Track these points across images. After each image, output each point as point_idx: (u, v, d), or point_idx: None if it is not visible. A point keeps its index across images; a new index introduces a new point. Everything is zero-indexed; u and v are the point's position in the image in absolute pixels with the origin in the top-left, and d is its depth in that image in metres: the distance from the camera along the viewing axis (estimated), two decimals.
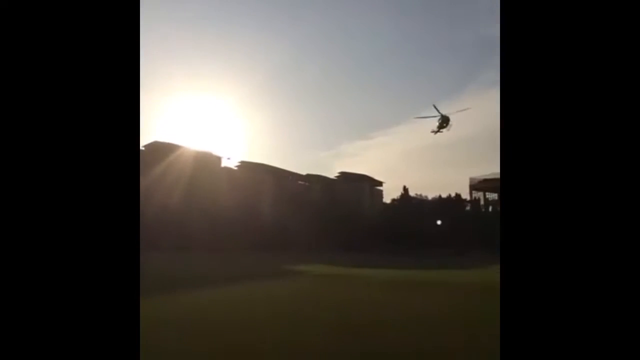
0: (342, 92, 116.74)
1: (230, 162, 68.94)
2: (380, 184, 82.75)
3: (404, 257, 38.73)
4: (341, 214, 60.76)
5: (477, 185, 59.80)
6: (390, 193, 79.11)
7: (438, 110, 29.28)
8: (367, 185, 79.27)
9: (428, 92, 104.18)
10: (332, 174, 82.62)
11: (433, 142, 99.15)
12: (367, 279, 19.44)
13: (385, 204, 77.47)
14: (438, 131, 29.92)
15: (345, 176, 79.08)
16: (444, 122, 29.25)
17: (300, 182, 79.11)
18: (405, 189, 67.77)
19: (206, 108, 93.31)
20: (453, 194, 62.65)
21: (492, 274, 23.15)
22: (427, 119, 30.92)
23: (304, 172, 78.57)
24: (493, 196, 60.81)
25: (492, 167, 72.90)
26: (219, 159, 67.41)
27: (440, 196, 63.79)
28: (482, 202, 61.79)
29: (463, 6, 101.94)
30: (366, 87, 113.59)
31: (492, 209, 60.79)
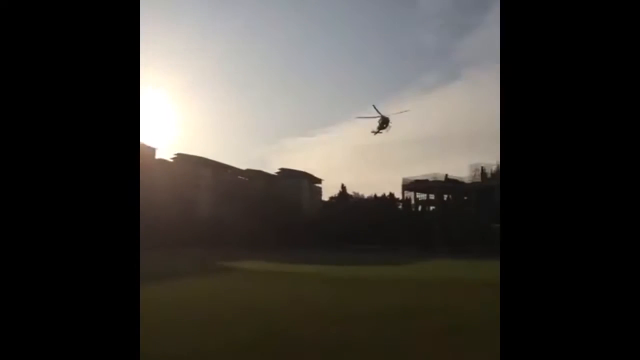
0: (284, 87, 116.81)
1: (166, 154, 66.07)
2: (319, 181, 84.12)
3: (341, 254, 40.06)
4: (280, 210, 61.05)
5: (409, 185, 63.16)
6: (329, 190, 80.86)
7: (378, 111, 28.95)
8: (306, 182, 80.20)
9: (369, 92, 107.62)
10: (272, 169, 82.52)
11: (371, 142, 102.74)
12: (302, 275, 19.72)
13: (323, 201, 79.00)
14: (378, 132, 29.49)
15: (285, 172, 79.28)
16: (384, 122, 28.85)
17: (239, 177, 77.94)
18: (343, 187, 69.70)
19: (141, 98, 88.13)
20: (387, 193, 65.79)
21: (423, 269, 24.85)
22: (368, 119, 30.70)
23: (243, 167, 77.63)
24: (422, 196, 64.65)
25: (423, 169, 77.48)
26: (153, 150, 64.31)
27: (375, 195, 66.55)
28: (412, 202, 65.41)
29: (404, 11, 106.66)
30: (308, 85, 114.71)
31: (422, 208, 64.64)
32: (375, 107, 28.29)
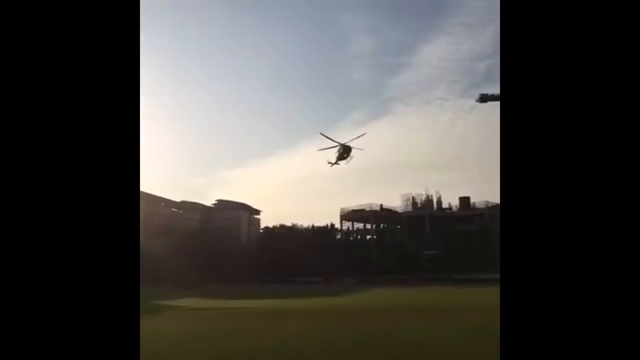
0: (219, 119, 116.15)
1: None
2: (257, 212, 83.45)
3: (279, 286, 39.98)
4: (218, 243, 59.44)
5: (347, 215, 65.25)
6: (267, 221, 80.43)
7: (332, 140, 23.68)
8: (245, 214, 79.12)
9: (303, 126, 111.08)
10: (208, 201, 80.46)
11: (306, 173, 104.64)
12: (241, 310, 19.48)
13: (262, 232, 78.30)
14: (336, 163, 24.41)
15: (222, 204, 77.73)
16: (345, 152, 23.85)
17: (173, 209, 74.87)
18: (282, 225, 69.20)
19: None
20: (325, 223, 67.16)
21: (360, 298, 25.53)
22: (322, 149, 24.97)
23: (177, 199, 74.81)
24: (359, 226, 67.01)
25: (357, 199, 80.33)
26: None
27: (313, 225, 67.60)
28: (350, 231, 67.44)
29: (336, 51, 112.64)
30: (243, 117, 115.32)
31: (360, 237, 66.80)
32: (325, 135, 23.87)
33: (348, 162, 24.07)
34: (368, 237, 66.23)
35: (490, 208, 59.56)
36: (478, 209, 60.65)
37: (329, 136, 23.65)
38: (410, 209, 64.42)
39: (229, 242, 63.19)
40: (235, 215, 75.81)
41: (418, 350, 8.88)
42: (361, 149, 23.63)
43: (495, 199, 61.19)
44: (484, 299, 20.17)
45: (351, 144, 23.27)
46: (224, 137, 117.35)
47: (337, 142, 23.45)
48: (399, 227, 65.28)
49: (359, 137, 24.08)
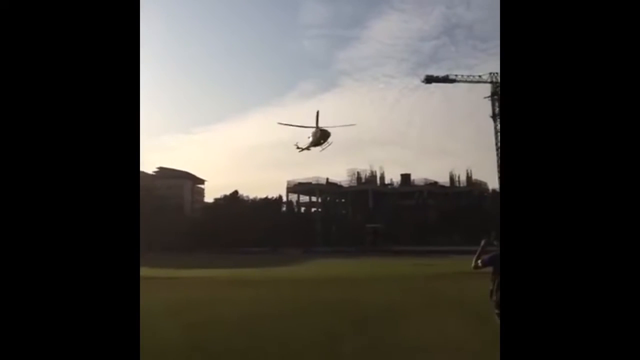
0: (164, 82, 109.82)
1: None
2: (202, 182, 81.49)
3: (227, 256, 40.07)
4: (160, 212, 57.67)
5: (293, 188, 65.92)
6: (211, 192, 78.91)
7: (299, 126, 20.56)
8: (188, 182, 76.93)
9: (252, 94, 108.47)
10: (148, 168, 76.94)
11: (255, 143, 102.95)
12: (199, 279, 19.71)
13: (206, 203, 76.86)
14: (306, 148, 21.25)
15: (164, 172, 74.79)
16: (322, 137, 20.65)
17: None
18: (234, 191, 68.49)
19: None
20: (271, 195, 67.43)
21: (304, 269, 26.59)
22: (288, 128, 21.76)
23: None
24: (305, 199, 68.17)
25: (306, 172, 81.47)
26: None
27: (257, 197, 67.56)
28: (295, 204, 68.37)
29: (286, 19, 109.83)
30: (190, 81, 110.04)
31: (305, 210, 68.08)
32: (289, 124, 20.73)
33: (324, 148, 20.87)
34: (313, 209, 67.68)
35: (428, 185, 63.29)
36: (417, 186, 64.18)
37: (291, 124, 20.77)
38: (355, 183, 66.46)
39: (171, 212, 61.48)
40: (178, 183, 73.36)
41: (376, 310, 10.20)
42: (353, 124, 20.56)
43: (433, 176, 65.29)
44: (421, 269, 22.16)
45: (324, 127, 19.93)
46: (166, 101, 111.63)
47: (313, 126, 19.67)
48: (343, 200, 67.33)
49: (317, 116, 20.82)
